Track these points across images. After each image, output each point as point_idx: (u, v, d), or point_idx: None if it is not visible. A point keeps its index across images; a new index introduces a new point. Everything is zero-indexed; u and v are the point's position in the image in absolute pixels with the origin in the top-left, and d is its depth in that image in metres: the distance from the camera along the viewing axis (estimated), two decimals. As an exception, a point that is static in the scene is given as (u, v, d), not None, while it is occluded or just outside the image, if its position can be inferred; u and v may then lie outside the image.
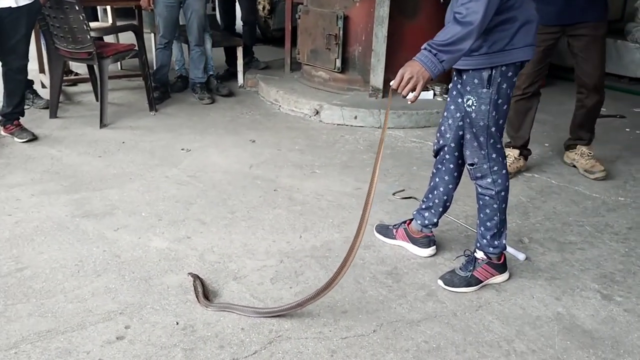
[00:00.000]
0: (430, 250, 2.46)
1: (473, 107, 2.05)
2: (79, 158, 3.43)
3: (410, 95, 1.88)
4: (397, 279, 2.29)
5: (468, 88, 2.04)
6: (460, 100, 2.14)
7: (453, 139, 2.24)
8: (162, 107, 4.49)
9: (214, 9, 6.71)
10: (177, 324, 1.97)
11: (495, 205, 2.18)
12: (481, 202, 2.21)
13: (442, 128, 2.28)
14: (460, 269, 2.24)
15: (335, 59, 4.54)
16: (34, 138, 3.64)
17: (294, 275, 2.29)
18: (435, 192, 2.38)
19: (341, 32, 4.43)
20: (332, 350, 1.87)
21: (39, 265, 2.29)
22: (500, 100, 2.02)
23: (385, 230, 2.59)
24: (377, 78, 4.42)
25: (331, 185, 3.17)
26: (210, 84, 4.87)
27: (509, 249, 2.50)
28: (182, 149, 3.63)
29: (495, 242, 2.22)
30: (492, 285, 2.26)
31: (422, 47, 1.86)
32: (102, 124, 3.97)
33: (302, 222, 2.74)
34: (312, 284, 2.24)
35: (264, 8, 6.91)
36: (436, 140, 2.33)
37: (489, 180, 2.15)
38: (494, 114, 2.03)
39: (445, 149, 2.28)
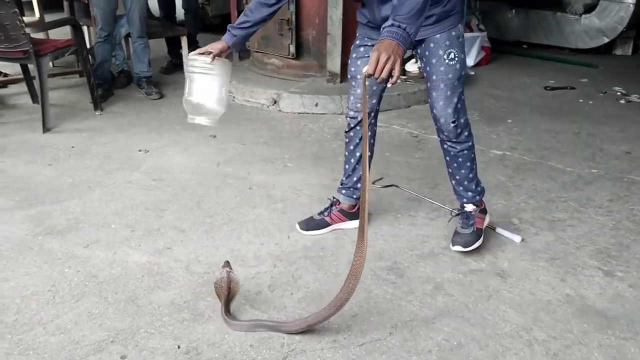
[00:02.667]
0: None
1: (457, 59, 2.08)
2: (26, 168, 3.12)
3: (393, 78, 1.79)
4: (399, 274, 2.20)
5: (447, 42, 2.06)
6: None
7: (375, 105, 2.31)
8: (107, 106, 4.19)
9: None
10: (179, 347, 1.80)
11: (472, 156, 2.25)
12: (460, 159, 2.24)
13: (368, 95, 2.23)
14: (462, 227, 2.26)
15: (289, 44, 4.37)
16: None
17: (292, 280, 2.15)
18: (360, 164, 2.40)
19: (294, 16, 4.26)
20: (352, 360, 1.76)
21: (6, 295, 2.03)
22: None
23: (312, 222, 2.50)
24: (334, 63, 4.29)
25: (307, 178, 3.04)
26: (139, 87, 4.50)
27: (504, 232, 2.47)
28: (140, 150, 3.38)
29: (478, 188, 2.32)
30: (496, 272, 2.21)
31: (386, 24, 1.79)
32: (46, 128, 3.64)
33: (287, 220, 2.59)
34: (313, 287, 2.11)
35: (200, -6, 6.59)
36: (355, 108, 2.31)
37: (467, 133, 2.20)
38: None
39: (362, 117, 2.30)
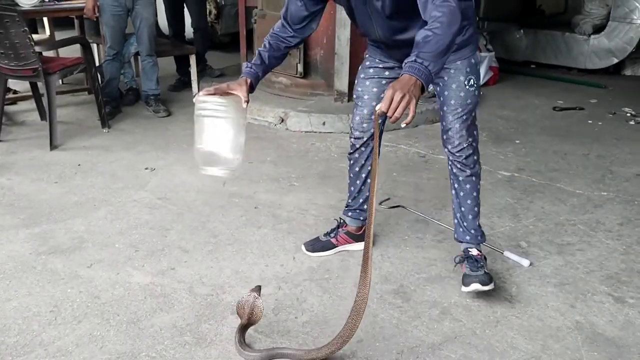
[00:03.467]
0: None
1: (475, 85, 2.08)
2: (33, 185, 3.12)
3: (408, 117, 1.66)
4: (405, 298, 2.16)
5: (468, 69, 2.06)
6: None
7: (381, 126, 2.24)
8: (115, 123, 4.20)
9: (155, 15, 6.39)
10: (180, 372, 1.77)
11: (478, 186, 2.23)
12: (468, 186, 2.20)
13: (373, 116, 2.21)
14: (472, 270, 2.14)
15: (297, 63, 4.38)
16: None
17: (296, 303, 2.12)
18: (365, 185, 2.39)
19: (302, 35, 4.27)
20: (356, 387, 1.72)
21: (8, 315, 2.01)
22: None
23: (318, 244, 2.47)
24: (341, 82, 4.29)
25: (313, 198, 3.01)
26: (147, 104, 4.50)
27: (512, 256, 2.43)
28: (146, 168, 3.38)
29: (480, 229, 2.26)
30: (504, 297, 2.17)
31: (409, 59, 1.67)
32: (53, 146, 3.65)
33: (292, 241, 2.57)
34: (317, 311, 2.08)
35: (210, 13, 6.64)
36: (361, 128, 2.28)
37: (476, 157, 2.18)
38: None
39: (370, 139, 2.28)
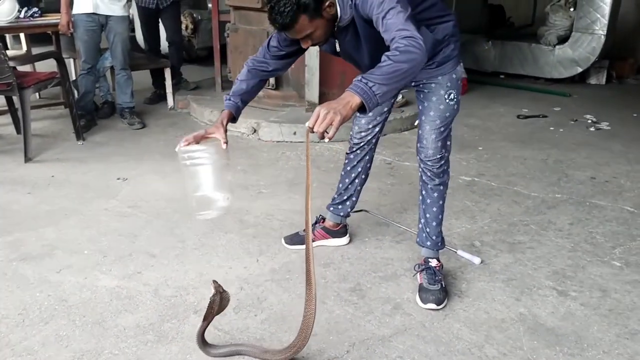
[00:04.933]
0: (347, 237, 2.69)
1: (455, 99, 2.16)
2: (6, 196, 3.19)
3: (329, 133, 1.68)
4: (361, 295, 2.27)
5: (449, 84, 2.13)
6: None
7: (377, 133, 2.43)
8: (89, 136, 4.28)
9: (132, 30, 6.50)
10: (141, 367, 1.86)
11: (445, 195, 2.32)
12: (435, 194, 2.28)
13: (370, 125, 2.40)
14: (429, 283, 2.22)
15: (268, 76, 4.49)
16: None
17: (257, 302, 2.22)
18: (353, 184, 2.57)
19: (272, 48, 4.40)
20: (308, 377, 1.82)
21: (-23, 318, 2.10)
22: None
23: (297, 238, 2.65)
24: (312, 92, 4.42)
25: (280, 204, 3.12)
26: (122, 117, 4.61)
27: (464, 254, 2.55)
28: (118, 179, 3.47)
29: (440, 237, 2.35)
30: (454, 292, 2.29)
31: (356, 78, 1.72)
32: (27, 158, 3.72)
33: (257, 245, 2.67)
34: (276, 309, 2.18)
35: (186, 27, 6.77)
36: (359, 136, 2.44)
37: (446, 167, 2.27)
38: None
39: (366, 144, 2.44)
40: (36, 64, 5.14)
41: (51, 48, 5.10)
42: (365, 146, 2.46)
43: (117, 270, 2.44)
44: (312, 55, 4.33)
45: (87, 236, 2.74)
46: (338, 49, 2.11)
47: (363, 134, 2.43)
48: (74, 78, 4.96)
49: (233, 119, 2.16)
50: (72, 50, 5.05)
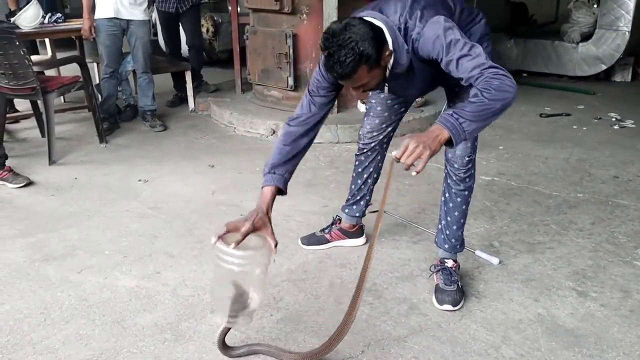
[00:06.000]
0: (364, 237, 2.68)
1: None
2: (30, 198, 3.27)
3: (418, 167, 1.63)
4: (377, 295, 2.27)
5: None
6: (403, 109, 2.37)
7: (390, 133, 2.43)
8: (112, 139, 4.35)
9: (155, 34, 6.60)
10: (158, 366, 1.88)
11: (469, 199, 2.28)
12: (458, 199, 2.25)
13: (383, 124, 2.39)
14: (445, 284, 2.20)
15: (287, 77, 4.52)
16: (30, 182, 3.45)
17: (273, 302, 2.24)
18: (366, 184, 2.57)
19: (291, 50, 4.42)
20: (323, 377, 1.82)
21: (0, 317, 2.14)
22: None
23: (313, 238, 2.67)
24: (330, 93, 4.42)
25: (298, 205, 3.13)
26: (144, 120, 4.67)
27: (482, 254, 2.53)
28: (139, 180, 3.52)
29: (460, 240, 2.32)
30: (472, 293, 2.27)
31: (447, 112, 1.70)
32: (51, 161, 3.81)
33: (274, 245, 2.68)
34: (292, 309, 2.19)
35: (207, 30, 6.83)
36: (370, 136, 2.44)
37: (473, 171, 2.24)
38: None
39: (378, 144, 2.44)
40: (61, 68, 5.27)
41: (75, 53, 5.21)
42: (377, 147, 2.46)
43: (137, 270, 2.48)
44: (331, 56, 4.33)
45: (108, 237, 2.79)
46: (386, 91, 2.05)
47: (375, 133, 2.42)
48: (97, 82, 5.05)
49: (280, 192, 1.97)
50: (95, 54, 5.13)
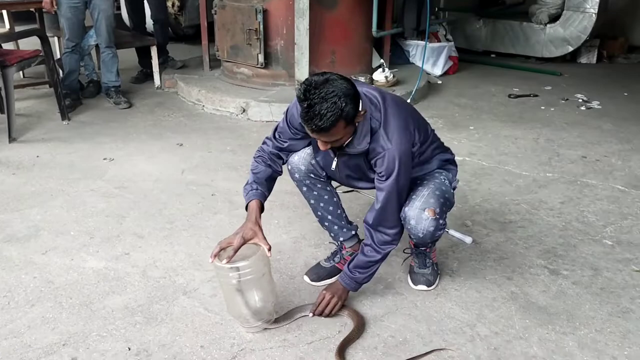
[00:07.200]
0: None
1: (453, 186, 2.18)
2: (-11, 177, 3.13)
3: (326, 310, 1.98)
4: (352, 275, 2.25)
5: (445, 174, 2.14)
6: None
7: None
8: (75, 115, 4.20)
9: (118, 7, 6.37)
10: (129, 349, 1.83)
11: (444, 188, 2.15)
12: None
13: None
14: (419, 267, 2.18)
15: (258, 54, 4.43)
16: None
17: (246, 283, 2.19)
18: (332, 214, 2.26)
19: (261, 26, 4.32)
20: (299, 357, 1.80)
21: (-40, 301, 2.05)
22: None
23: (323, 271, 2.25)
24: (302, 71, 4.36)
25: (269, 184, 3.08)
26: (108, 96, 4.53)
27: (456, 234, 2.54)
28: (105, 159, 3.41)
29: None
30: (446, 272, 2.27)
31: (344, 272, 2.01)
32: (11, 138, 3.65)
33: (246, 225, 2.63)
34: (267, 289, 2.15)
35: (173, 4, 6.63)
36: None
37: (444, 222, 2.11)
38: None
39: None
40: (20, 42, 5.04)
41: (34, 26, 4.99)
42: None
43: (105, 251, 2.40)
44: (302, 34, 4.26)
45: (73, 217, 2.69)
46: (334, 166, 1.99)
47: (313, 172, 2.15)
48: (58, 57, 4.86)
49: (261, 208, 1.98)
50: (56, 28, 4.94)
